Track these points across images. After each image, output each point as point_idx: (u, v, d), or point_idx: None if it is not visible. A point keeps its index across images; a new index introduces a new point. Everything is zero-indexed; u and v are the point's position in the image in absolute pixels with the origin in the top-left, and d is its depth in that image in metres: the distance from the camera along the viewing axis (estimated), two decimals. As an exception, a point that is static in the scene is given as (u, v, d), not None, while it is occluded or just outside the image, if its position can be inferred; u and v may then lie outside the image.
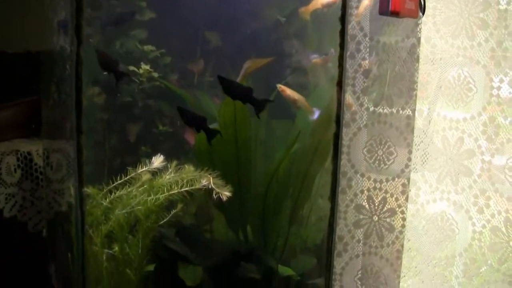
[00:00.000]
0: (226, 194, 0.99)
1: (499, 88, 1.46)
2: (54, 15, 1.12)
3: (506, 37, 1.44)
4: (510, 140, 1.46)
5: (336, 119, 1.00)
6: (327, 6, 1.27)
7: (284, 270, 1.15)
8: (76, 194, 1.02)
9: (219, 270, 1.14)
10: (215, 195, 0.99)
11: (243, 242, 1.23)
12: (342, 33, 1.00)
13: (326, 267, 1.02)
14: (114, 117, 1.21)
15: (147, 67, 1.20)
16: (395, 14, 1.18)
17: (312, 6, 1.29)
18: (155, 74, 1.20)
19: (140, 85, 1.19)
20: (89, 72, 1.09)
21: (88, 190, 1.04)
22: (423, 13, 1.32)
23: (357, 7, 1.47)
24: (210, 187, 0.99)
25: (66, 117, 1.10)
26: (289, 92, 1.20)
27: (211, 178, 1.00)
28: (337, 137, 1.01)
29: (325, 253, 1.01)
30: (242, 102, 1.10)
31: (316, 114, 1.21)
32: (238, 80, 1.13)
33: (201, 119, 1.11)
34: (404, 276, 1.61)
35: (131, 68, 1.20)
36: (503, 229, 1.49)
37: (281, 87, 1.20)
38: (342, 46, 0.98)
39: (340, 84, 0.99)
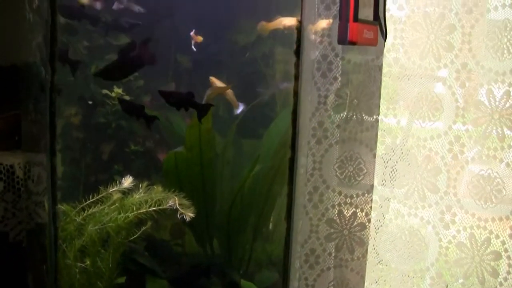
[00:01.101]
0: (189, 214, 1.06)
1: (464, 108, 1.53)
2: (32, 36, 1.19)
3: (470, 60, 1.51)
4: (474, 158, 1.53)
5: (291, 144, 1.06)
6: (289, 28, 1.34)
7: (247, 285, 1.22)
8: (50, 210, 1.09)
9: (184, 283, 1.20)
10: (179, 215, 1.06)
11: (210, 256, 1.30)
12: (297, 65, 1.07)
13: (283, 282, 1.09)
14: (89, 137, 1.28)
15: (120, 90, 1.27)
16: (353, 43, 1.25)
17: (272, 25, 1.35)
18: (127, 97, 1.27)
19: (113, 107, 1.26)
20: (65, 94, 1.16)
21: (63, 207, 1.11)
22: (385, 39, 1.40)
23: (329, 28, 1.55)
24: (175, 207, 1.06)
25: (42, 135, 1.17)
26: (218, 83, 1.27)
27: (176, 199, 1.07)
28: (292, 161, 1.07)
29: (282, 270, 1.08)
30: (185, 109, 1.16)
31: (240, 108, 1.28)
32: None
33: (139, 107, 1.17)
34: (373, 288, 1.68)
35: (105, 91, 1.27)
36: (468, 245, 1.56)
37: (211, 78, 1.27)
38: (297, 77, 1.05)
39: (295, 112, 1.05)
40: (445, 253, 1.59)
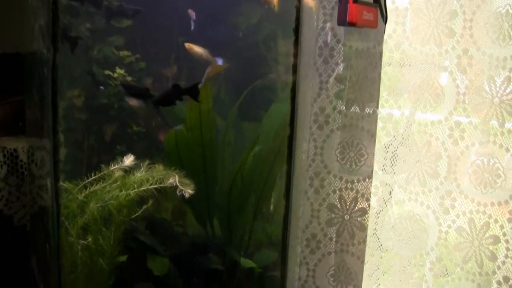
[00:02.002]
0: (189, 191, 1.08)
1: (464, 94, 1.54)
2: (34, 21, 1.21)
3: (471, 45, 1.52)
4: (475, 144, 1.54)
5: (290, 123, 1.08)
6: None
7: (246, 263, 1.24)
8: (52, 188, 1.11)
9: (183, 260, 1.23)
10: (179, 192, 1.08)
11: (210, 236, 1.33)
12: (296, 43, 1.08)
13: (281, 260, 1.11)
14: (92, 118, 1.30)
15: (122, 71, 1.29)
16: (353, 24, 1.27)
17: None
18: (129, 78, 1.29)
19: (115, 88, 1.28)
20: (69, 75, 1.18)
21: (65, 184, 1.13)
22: (385, 22, 1.41)
23: (331, 14, 1.56)
24: (175, 184, 1.08)
25: (45, 118, 1.19)
26: (196, 48, 1.28)
27: (176, 176, 1.09)
28: (291, 139, 1.09)
29: (281, 248, 1.10)
30: (175, 102, 1.19)
31: (219, 62, 1.29)
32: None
33: (144, 90, 1.20)
34: (374, 273, 1.70)
35: (107, 72, 1.29)
36: (467, 229, 1.58)
37: (189, 45, 1.28)
38: (296, 55, 1.07)
39: (293, 90, 1.07)
40: (445, 238, 1.61)
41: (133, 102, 1.26)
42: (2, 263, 1.51)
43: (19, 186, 1.55)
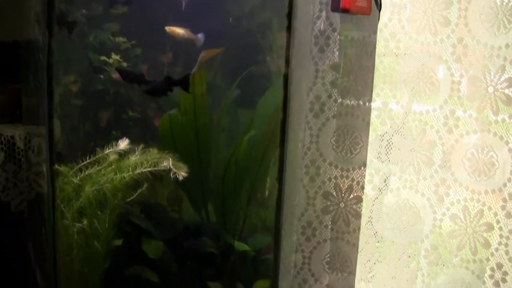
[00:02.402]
0: (182, 174, 1.10)
1: (459, 82, 1.55)
2: (30, 8, 1.23)
3: (466, 34, 1.53)
4: (469, 132, 1.56)
5: (283, 107, 1.10)
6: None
7: (240, 246, 1.26)
8: (48, 172, 1.13)
9: (176, 243, 1.25)
10: (173, 175, 1.10)
11: (205, 221, 1.34)
12: (289, 28, 1.09)
13: (274, 243, 1.12)
14: (88, 104, 1.32)
15: (117, 57, 1.30)
16: (346, 11, 1.28)
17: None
18: (125, 64, 1.30)
19: (110, 74, 1.29)
20: (65, 62, 1.19)
21: (60, 168, 1.15)
22: (379, 10, 1.42)
23: (326, 3, 1.58)
24: (169, 167, 1.10)
25: (42, 105, 1.21)
26: (177, 30, 1.30)
27: (170, 159, 1.10)
28: (283, 123, 1.11)
29: (274, 230, 1.12)
30: (165, 93, 1.21)
31: (200, 40, 1.31)
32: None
33: (139, 75, 1.21)
34: (369, 260, 1.72)
35: (103, 58, 1.31)
36: (462, 217, 1.59)
37: (169, 28, 1.30)
38: (289, 40, 1.08)
39: (286, 77, 1.09)
40: (439, 226, 1.62)
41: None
42: None
43: (16, 173, 1.57)
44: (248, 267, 1.28)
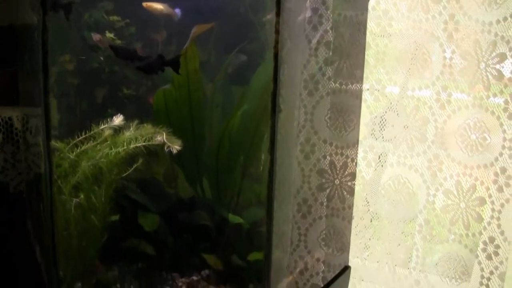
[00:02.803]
0: (176, 147, 1.13)
1: (451, 59, 1.58)
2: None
3: (457, 11, 1.55)
4: (461, 107, 1.58)
5: (273, 79, 1.13)
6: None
7: (235, 219, 1.29)
8: (45, 147, 1.16)
9: (171, 216, 1.28)
10: (167, 148, 1.13)
11: (200, 195, 1.38)
12: (278, 2, 1.12)
13: (267, 215, 1.16)
14: (83, 82, 1.35)
15: (111, 35, 1.33)
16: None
17: None
18: (119, 42, 1.33)
19: (106, 52, 1.32)
20: (60, 41, 1.22)
21: (56, 144, 1.18)
22: None
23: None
24: (163, 141, 1.12)
25: (38, 85, 1.24)
26: (155, 5, 1.32)
27: (164, 134, 1.13)
28: (274, 94, 1.14)
29: (266, 202, 1.15)
30: (157, 72, 1.23)
31: (178, 15, 1.33)
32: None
33: (132, 51, 1.24)
34: (363, 236, 1.75)
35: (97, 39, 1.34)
36: (455, 192, 1.62)
37: (147, 4, 1.32)
38: (278, 14, 1.11)
39: (276, 48, 1.11)
40: (433, 201, 1.66)
41: (96, 37, 1.30)
42: None
43: (14, 153, 1.59)
44: (243, 239, 1.31)
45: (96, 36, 1.32)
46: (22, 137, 1.60)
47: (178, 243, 1.27)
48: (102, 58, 1.35)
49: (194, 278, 1.27)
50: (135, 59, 1.25)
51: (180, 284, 1.25)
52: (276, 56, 1.12)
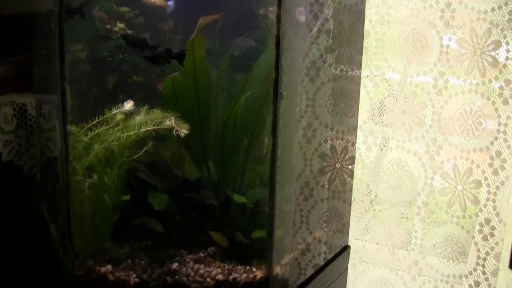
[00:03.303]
0: (184, 131, 1.21)
1: (448, 46, 1.66)
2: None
3: (454, -1, 1.63)
4: (458, 93, 1.66)
5: (275, 66, 1.21)
6: None
7: (239, 198, 1.38)
8: (61, 131, 1.25)
9: (182, 197, 1.37)
10: (175, 132, 1.21)
11: (206, 177, 1.47)
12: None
13: (269, 194, 1.24)
14: (95, 70, 1.43)
15: (122, 25, 1.41)
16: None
17: None
18: (129, 32, 1.42)
19: (116, 41, 1.41)
20: (73, 31, 1.31)
21: (71, 128, 1.27)
22: None
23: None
24: (171, 125, 1.21)
25: (52, 73, 1.33)
26: None
27: (173, 118, 1.22)
28: (276, 81, 1.22)
29: (269, 181, 1.23)
30: (164, 63, 1.33)
31: (170, 7, 1.42)
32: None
33: (142, 40, 1.33)
34: (364, 218, 1.84)
35: (108, 27, 1.42)
36: (452, 175, 1.71)
37: None
38: (279, 4, 1.19)
39: (278, 36, 1.19)
40: (430, 184, 1.74)
41: (97, 14, 1.37)
42: (14, 210, 1.65)
43: (28, 138, 1.68)
44: (247, 218, 1.40)
45: (97, 13, 1.40)
46: (36, 123, 1.69)
47: (186, 221, 1.35)
48: (112, 47, 1.44)
49: (201, 254, 1.35)
50: (144, 48, 1.33)
51: (188, 260, 1.33)
52: (278, 44, 1.20)
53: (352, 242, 1.87)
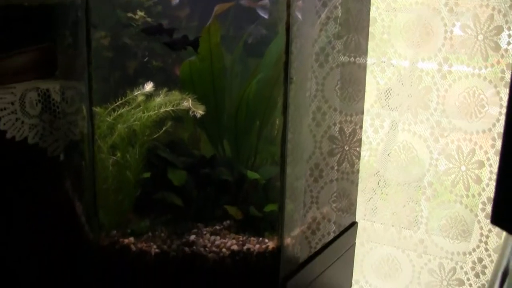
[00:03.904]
0: (200, 112, 1.33)
1: (452, 32, 1.76)
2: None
3: (457, -14, 1.73)
4: (461, 77, 1.76)
5: (285, 50, 1.31)
6: None
7: (252, 175, 1.49)
8: (88, 112, 1.37)
9: (199, 173, 1.49)
10: (192, 113, 1.33)
11: (221, 155, 1.59)
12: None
13: (280, 171, 1.35)
14: (117, 56, 1.55)
15: (142, 13, 1.53)
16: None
17: None
18: (149, 20, 1.53)
19: (137, 29, 1.53)
20: (96, 20, 1.43)
21: (96, 109, 1.39)
22: None
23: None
24: (189, 107, 1.33)
25: (78, 56, 1.45)
26: None
27: (190, 99, 1.33)
28: (286, 64, 1.33)
29: (279, 159, 1.34)
30: (181, 49, 1.45)
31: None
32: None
33: (158, 26, 1.44)
34: (372, 198, 1.95)
35: (129, 15, 1.54)
36: (456, 156, 1.81)
37: None
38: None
39: (288, 22, 1.30)
40: (435, 164, 1.84)
41: None
42: (38, 189, 1.78)
43: (52, 122, 1.81)
44: (259, 193, 1.51)
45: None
46: (59, 107, 1.82)
47: (203, 196, 1.47)
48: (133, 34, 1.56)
49: (217, 227, 1.47)
50: (162, 32, 1.45)
51: (204, 232, 1.45)
52: (288, 30, 1.30)
53: (360, 222, 1.98)
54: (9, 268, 1.71)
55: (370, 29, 1.83)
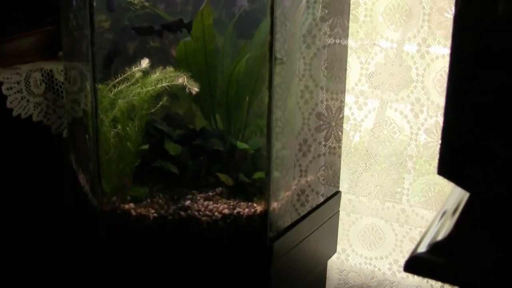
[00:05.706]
0: (195, 89, 1.51)
1: (429, 14, 1.94)
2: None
3: (435, -29, 1.91)
4: (438, 57, 1.94)
5: (270, 31, 1.50)
6: None
7: (242, 145, 1.68)
8: (91, 88, 1.56)
9: (191, 144, 1.68)
10: (188, 90, 1.52)
11: (214, 128, 1.78)
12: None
13: (267, 142, 1.53)
14: (117, 37, 1.74)
15: (142, -3, 1.71)
16: None
17: None
18: (147, 4, 1.72)
19: (135, 12, 1.71)
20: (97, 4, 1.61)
21: (99, 86, 1.57)
22: None
23: None
24: (184, 83, 1.51)
25: (81, 38, 1.63)
26: None
27: (185, 77, 1.52)
28: (271, 44, 1.51)
29: (266, 130, 1.53)
30: (177, 31, 1.66)
31: None
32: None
33: (148, 28, 1.66)
34: (356, 171, 2.14)
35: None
36: (434, 131, 1.99)
37: None
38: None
39: (272, 6, 1.48)
40: (415, 138, 2.03)
41: None
42: (41, 164, 1.97)
43: (55, 100, 1.99)
44: (248, 162, 1.70)
45: None
46: (62, 87, 2.01)
47: (197, 164, 1.66)
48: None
49: (210, 193, 1.66)
50: (152, 33, 1.66)
51: (198, 198, 1.64)
52: (272, 12, 1.49)
53: (346, 195, 2.17)
54: (20, 230, 1.91)
55: (354, 12, 2.02)
